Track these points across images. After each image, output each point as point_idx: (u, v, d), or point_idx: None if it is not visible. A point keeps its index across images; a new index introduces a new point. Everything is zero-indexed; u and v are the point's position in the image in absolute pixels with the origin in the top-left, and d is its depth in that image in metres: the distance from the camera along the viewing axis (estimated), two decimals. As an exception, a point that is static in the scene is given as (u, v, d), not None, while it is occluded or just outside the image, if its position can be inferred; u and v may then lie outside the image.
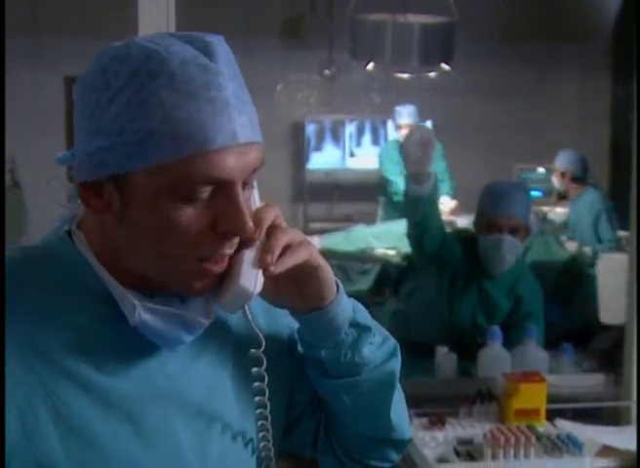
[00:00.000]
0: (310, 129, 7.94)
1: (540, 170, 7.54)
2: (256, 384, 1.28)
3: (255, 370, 1.28)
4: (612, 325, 4.19)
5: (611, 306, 4.25)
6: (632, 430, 2.57)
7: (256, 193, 1.29)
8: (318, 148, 7.99)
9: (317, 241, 5.79)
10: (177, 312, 1.20)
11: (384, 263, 5.49)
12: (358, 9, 5.67)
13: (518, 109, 7.81)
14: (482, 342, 3.46)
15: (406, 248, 5.55)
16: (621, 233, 5.71)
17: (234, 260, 1.20)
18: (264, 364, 1.27)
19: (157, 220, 1.13)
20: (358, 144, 8.02)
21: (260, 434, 1.31)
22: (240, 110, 1.17)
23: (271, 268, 1.19)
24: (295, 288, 1.27)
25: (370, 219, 6.78)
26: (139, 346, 1.21)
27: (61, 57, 7.04)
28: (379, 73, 6.57)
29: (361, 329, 1.33)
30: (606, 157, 7.70)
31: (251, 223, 1.16)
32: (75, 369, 1.16)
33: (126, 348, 1.21)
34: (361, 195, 7.85)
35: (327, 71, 7.74)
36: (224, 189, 1.14)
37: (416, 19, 5.65)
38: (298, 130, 7.96)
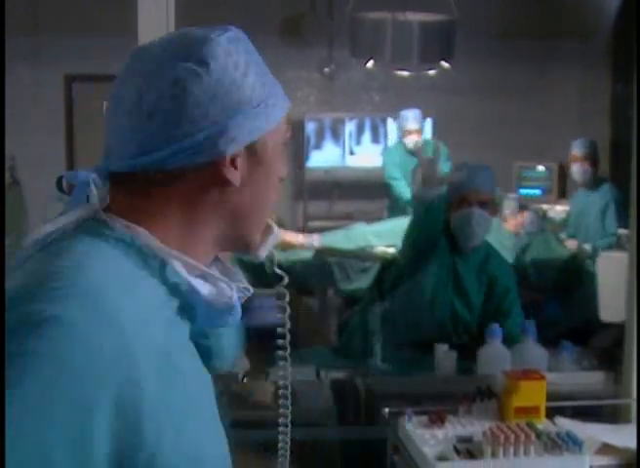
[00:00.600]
0: (310, 127, 7.95)
1: (540, 168, 7.55)
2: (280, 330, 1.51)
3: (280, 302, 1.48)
4: (612, 322, 4.19)
5: (611, 304, 4.25)
6: (632, 428, 2.57)
7: None
8: (318, 146, 7.99)
9: (317, 239, 5.80)
10: (247, 289, 1.31)
11: (384, 261, 5.49)
12: (358, 7, 5.68)
13: (518, 107, 7.82)
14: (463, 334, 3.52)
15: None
16: (622, 231, 5.71)
17: None
18: (287, 297, 1.50)
19: (278, 170, 1.32)
20: (358, 142, 8.02)
21: None
22: None
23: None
24: None
25: (370, 217, 6.77)
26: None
27: (61, 55, 7.05)
28: (378, 71, 6.58)
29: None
30: (606, 155, 7.70)
31: None
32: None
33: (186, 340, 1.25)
34: (361, 193, 7.87)
35: (327, 69, 7.75)
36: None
37: (415, 17, 5.65)
38: (297, 128, 7.96)
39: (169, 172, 1.20)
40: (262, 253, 1.37)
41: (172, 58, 1.22)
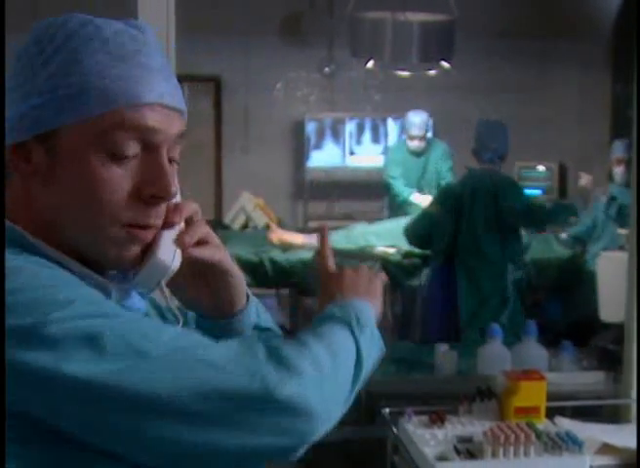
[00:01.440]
0: (310, 127, 7.94)
1: (541, 168, 7.54)
2: None
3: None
4: (611, 323, 4.19)
5: (610, 304, 4.25)
6: (632, 428, 2.56)
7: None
8: (318, 146, 7.99)
9: (317, 239, 5.78)
10: (134, 283, 1.24)
11: (384, 261, 5.49)
12: (358, 7, 5.68)
13: (518, 107, 7.81)
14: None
15: (405, 246, 5.57)
16: (621, 231, 5.70)
17: (154, 239, 1.23)
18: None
19: (85, 178, 1.15)
20: (358, 142, 8.02)
21: None
22: (167, 78, 1.22)
23: (189, 250, 1.26)
24: (207, 291, 1.34)
25: (370, 217, 6.77)
26: None
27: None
28: (378, 71, 6.58)
29: (262, 330, 1.41)
30: (606, 154, 7.69)
31: (175, 188, 1.20)
32: None
33: None
34: (361, 193, 7.87)
35: (327, 69, 7.74)
36: (149, 150, 1.18)
37: (415, 17, 5.66)
38: (298, 128, 7.96)
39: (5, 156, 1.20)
40: (142, 286, 1.25)
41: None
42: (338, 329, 1.25)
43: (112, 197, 1.16)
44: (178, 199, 1.27)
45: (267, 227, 5.93)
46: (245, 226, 6.21)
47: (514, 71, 7.80)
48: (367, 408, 3.38)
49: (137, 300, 1.27)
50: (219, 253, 1.31)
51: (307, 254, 5.58)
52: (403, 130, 6.98)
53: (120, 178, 1.16)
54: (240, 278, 1.36)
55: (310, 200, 7.96)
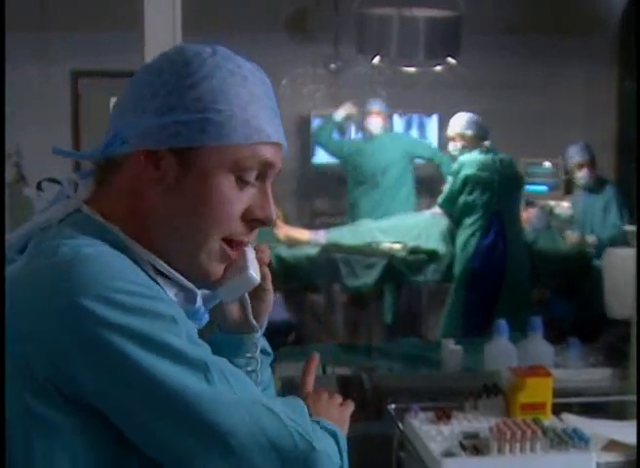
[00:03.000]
0: (316, 123, 7.92)
1: (547, 164, 7.53)
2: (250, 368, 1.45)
3: (249, 355, 1.45)
4: (618, 319, 4.18)
5: (617, 300, 4.24)
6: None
7: None
8: (324, 142, 7.97)
9: (323, 235, 5.79)
10: (212, 294, 1.37)
11: (390, 258, 5.49)
12: (364, 3, 5.68)
13: (524, 103, 7.80)
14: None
15: (411, 242, 5.57)
16: (629, 227, 5.69)
17: (239, 256, 1.36)
18: (258, 349, 1.46)
19: (210, 194, 1.27)
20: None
21: None
22: (280, 120, 1.38)
23: (264, 268, 1.43)
24: (240, 304, 1.46)
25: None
26: None
27: (68, 51, 7.05)
28: (384, 67, 6.57)
29: (265, 353, 1.52)
30: (613, 151, 7.69)
31: (274, 216, 1.36)
32: None
33: None
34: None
35: (333, 65, 7.73)
36: (262, 180, 1.34)
37: (421, 13, 5.66)
38: (304, 124, 7.95)
39: (116, 158, 1.30)
40: (222, 293, 1.38)
41: (156, 58, 1.34)
42: (326, 434, 1.36)
43: (229, 214, 1.30)
44: None
45: (273, 223, 5.93)
46: (251, 222, 6.21)
47: (521, 67, 7.78)
48: (373, 404, 3.38)
49: (203, 309, 1.38)
50: (268, 272, 1.47)
51: (313, 250, 5.58)
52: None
53: (238, 200, 1.30)
54: (272, 299, 1.49)
55: (316, 196, 7.96)
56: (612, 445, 2.44)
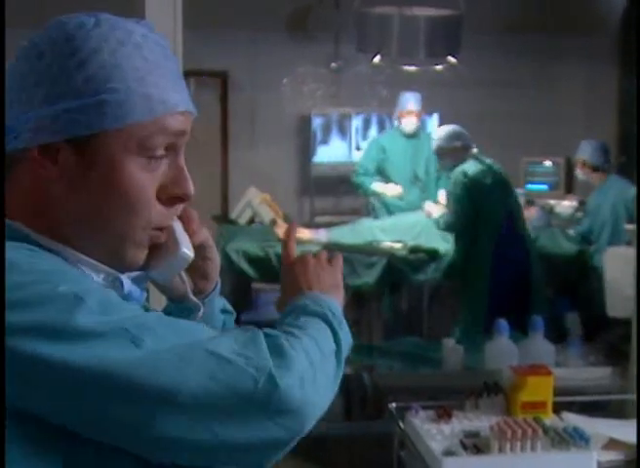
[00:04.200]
0: (317, 122, 7.94)
1: (547, 163, 7.53)
2: None
3: None
4: (619, 318, 4.19)
5: (617, 299, 4.25)
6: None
7: None
8: (325, 142, 7.99)
9: (324, 234, 5.79)
10: (144, 274, 1.28)
11: (390, 256, 5.50)
12: (364, 2, 5.68)
13: (525, 102, 7.80)
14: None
15: (412, 241, 5.57)
16: (629, 227, 5.69)
17: (167, 234, 1.27)
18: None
19: (122, 183, 1.16)
20: (364, 138, 8.00)
21: None
22: (184, 85, 1.25)
23: (195, 236, 1.34)
24: (189, 273, 1.40)
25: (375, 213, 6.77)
26: None
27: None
28: (385, 66, 6.56)
29: (227, 313, 1.49)
30: (613, 149, 7.69)
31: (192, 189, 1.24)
32: None
33: None
34: (367, 188, 7.85)
35: (333, 64, 7.73)
36: (173, 154, 1.22)
37: (422, 12, 5.66)
38: (304, 123, 7.96)
39: (8, 155, 1.18)
40: (158, 277, 1.30)
41: (26, 42, 1.21)
42: (316, 322, 1.27)
43: (146, 201, 1.19)
44: None
45: (274, 222, 5.94)
46: (251, 221, 6.21)
47: (521, 66, 7.78)
48: (374, 402, 3.38)
49: (139, 292, 1.28)
50: (205, 230, 1.39)
51: (314, 249, 5.57)
52: (396, 111, 6.75)
53: (150, 182, 1.19)
54: (216, 253, 1.42)
55: (316, 195, 7.96)
56: (612, 443, 2.44)
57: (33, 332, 1.04)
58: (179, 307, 1.40)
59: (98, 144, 1.15)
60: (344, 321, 1.32)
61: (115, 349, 1.06)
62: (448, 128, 5.65)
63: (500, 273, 5.24)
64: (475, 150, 5.50)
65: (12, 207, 1.18)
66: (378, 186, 6.48)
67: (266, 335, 1.17)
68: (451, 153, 5.51)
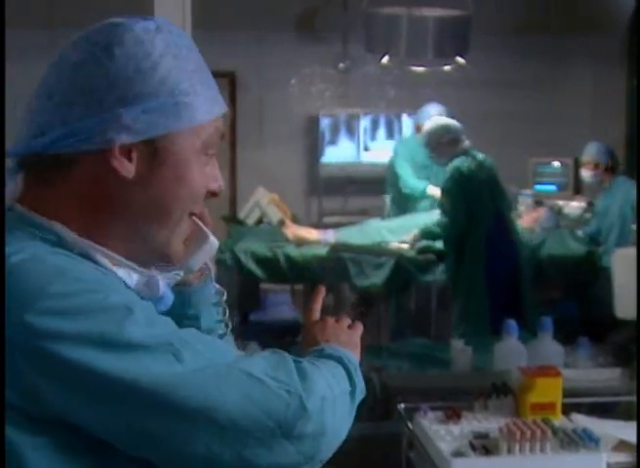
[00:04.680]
0: (325, 123, 7.94)
1: (556, 163, 7.51)
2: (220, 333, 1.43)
3: (218, 318, 1.43)
4: (627, 319, 4.17)
5: (626, 300, 4.23)
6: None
7: None
8: (333, 142, 7.98)
9: (332, 234, 5.79)
10: (178, 273, 1.33)
11: (399, 257, 5.49)
12: (373, 2, 5.67)
13: (533, 103, 7.79)
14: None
15: (420, 241, 5.56)
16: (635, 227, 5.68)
17: (192, 224, 1.31)
18: (227, 312, 1.44)
19: (188, 178, 1.22)
20: (373, 138, 8.01)
21: None
22: None
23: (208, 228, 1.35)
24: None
25: (384, 213, 6.76)
26: None
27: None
28: (393, 67, 6.56)
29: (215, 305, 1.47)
30: (621, 150, 7.67)
31: None
32: None
33: None
34: (375, 189, 7.84)
35: (341, 65, 7.73)
36: (213, 153, 1.27)
37: (430, 12, 5.65)
38: (312, 124, 7.96)
39: (64, 156, 1.18)
40: (193, 265, 1.34)
41: (83, 42, 1.22)
42: (333, 364, 1.30)
43: (201, 194, 1.26)
44: None
45: (282, 223, 5.94)
46: (259, 221, 6.21)
47: (529, 67, 7.77)
48: (383, 403, 3.38)
49: (168, 296, 1.31)
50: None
51: (322, 250, 5.57)
52: (415, 122, 6.66)
53: (206, 177, 1.26)
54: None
55: (325, 195, 7.96)
56: (622, 445, 2.43)
57: (83, 341, 1.06)
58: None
59: (169, 143, 1.20)
60: (360, 371, 1.35)
61: (160, 363, 1.09)
62: (438, 120, 5.59)
63: (491, 272, 5.25)
64: (467, 143, 5.43)
65: (58, 207, 1.20)
66: (431, 189, 6.29)
67: (293, 359, 1.21)
68: (441, 147, 5.44)
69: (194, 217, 1.30)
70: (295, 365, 1.20)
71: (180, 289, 1.38)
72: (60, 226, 1.18)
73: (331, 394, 1.21)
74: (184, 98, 1.20)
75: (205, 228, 1.32)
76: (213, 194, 1.28)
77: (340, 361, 1.31)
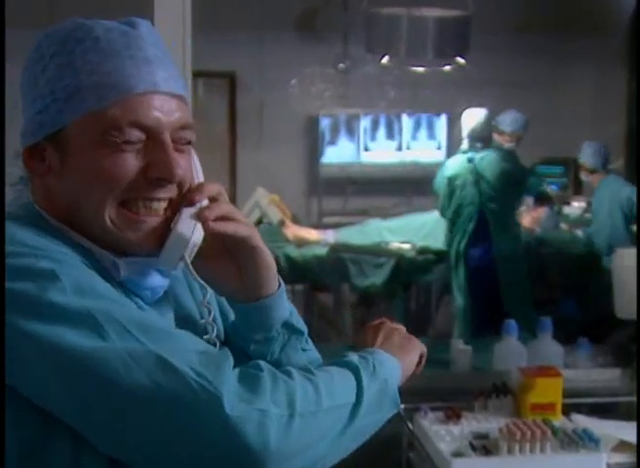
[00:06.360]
0: (325, 123, 7.93)
1: (556, 163, 7.52)
2: (205, 337, 1.34)
3: (202, 321, 1.35)
4: (627, 319, 4.17)
5: (626, 300, 4.23)
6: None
7: (196, 161, 1.35)
8: (333, 142, 7.98)
9: (332, 235, 5.79)
10: (148, 259, 1.28)
11: (399, 257, 5.49)
12: (373, 2, 5.67)
13: (534, 103, 7.78)
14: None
15: (420, 242, 5.57)
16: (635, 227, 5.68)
17: (175, 216, 1.28)
18: (212, 313, 1.35)
19: (91, 166, 1.23)
20: (373, 138, 8.00)
21: None
22: (160, 67, 1.27)
23: (211, 224, 1.27)
24: (235, 271, 1.31)
25: (384, 213, 6.76)
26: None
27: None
28: (393, 67, 6.56)
29: (293, 331, 1.38)
30: (621, 150, 7.67)
31: (180, 171, 1.25)
32: None
33: None
34: (376, 189, 7.85)
35: (341, 65, 7.72)
36: (154, 138, 1.24)
37: (431, 12, 5.64)
38: (312, 124, 7.95)
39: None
40: (162, 258, 1.27)
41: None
42: (343, 373, 1.27)
43: (114, 176, 1.23)
44: (201, 179, 1.34)
45: (282, 223, 5.94)
46: (259, 222, 6.21)
47: (530, 67, 7.77)
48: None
49: (157, 279, 1.31)
50: (245, 228, 1.30)
51: (322, 250, 5.58)
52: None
53: (123, 162, 1.23)
54: (270, 258, 1.33)
55: (325, 196, 7.95)
56: (622, 445, 2.43)
57: (8, 298, 1.12)
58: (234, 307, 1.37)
59: (67, 137, 1.24)
60: (387, 383, 1.31)
61: (75, 334, 1.12)
62: (484, 111, 5.70)
63: (472, 272, 5.30)
64: (465, 141, 5.64)
65: (37, 197, 1.30)
66: None
67: (252, 365, 1.18)
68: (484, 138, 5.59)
69: (185, 209, 1.27)
70: (248, 369, 1.16)
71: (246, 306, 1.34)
72: (45, 214, 1.28)
73: (286, 412, 1.14)
74: (63, 93, 1.23)
75: (182, 221, 1.26)
76: (165, 180, 1.25)
77: (356, 371, 1.27)
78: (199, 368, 1.12)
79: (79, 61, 1.23)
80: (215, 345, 1.32)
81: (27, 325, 1.11)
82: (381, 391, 1.29)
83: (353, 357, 1.31)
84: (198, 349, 1.17)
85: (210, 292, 1.36)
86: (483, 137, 5.60)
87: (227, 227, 1.28)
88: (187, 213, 1.27)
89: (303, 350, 1.40)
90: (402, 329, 1.47)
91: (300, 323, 1.40)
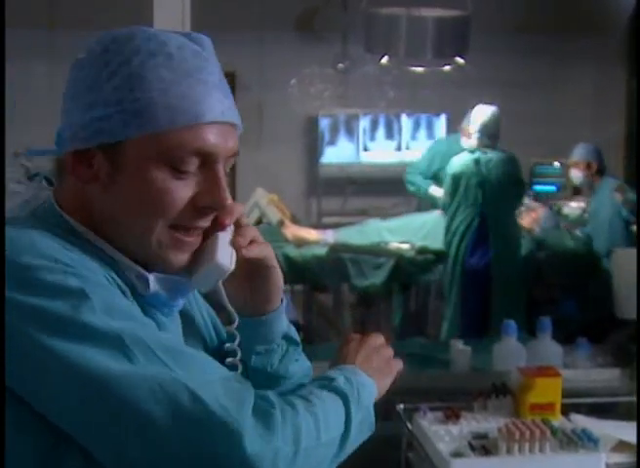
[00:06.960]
0: (324, 123, 7.93)
1: (555, 164, 7.52)
2: (229, 360, 1.35)
3: (228, 345, 1.37)
4: (627, 319, 4.18)
5: (626, 300, 4.24)
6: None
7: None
8: (332, 142, 7.98)
9: (331, 235, 5.79)
10: (178, 278, 1.28)
11: (398, 258, 5.49)
12: (372, 2, 5.67)
13: (533, 103, 7.79)
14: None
15: (419, 242, 5.57)
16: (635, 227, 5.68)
17: (209, 241, 1.30)
18: (237, 339, 1.37)
19: (144, 188, 1.22)
20: (372, 138, 8.00)
21: None
22: (226, 95, 1.30)
23: (243, 251, 1.32)
24: (247, 286, 1.37)
25: (384, 213, 6.76)
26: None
27: (77, 49, 7.06)
28: (393, 67, 6.56)
29: (291, 342, 1.43)
30: (621, 150, 7.67)
31: (230, 199, 1.28)
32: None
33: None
34: (375, 189, 7.85)
35: (341, 65, 7.72)
36: (209, 165, 1.25)
37: (430, 12, 5.65)
38: (311, 124, 7.95)
39: (62, 158, 1.27)
40: (196, 281, 1.30)
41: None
42: (333, 400, 1.27)
43: (166, 206, 1.23)
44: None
45: (281, 223, 5.93)
46: (259, 222, 6.21)
47: (529, 67, 7.77)
48: (381, 404, 3.37)
49: (162, 297, 1.30)
50: (266, 249, 1.37)
51: (321, 250, 5.57)
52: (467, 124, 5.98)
53: (179, 190, 1.23)
54: (280, 276, 1.39)
55: (324, 196, 7.96)
56: (621, 445, 2.43)
57: (34, 317, 1.10)
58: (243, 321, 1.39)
59: (125, 152, 1.21)
60: (369, 408, 1.34)
61: (102, 356, 1.11)
62: (494, 108, 5.73)
63: (468, 271, 5.32)
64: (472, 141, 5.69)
65: (66, 201, 1.28)
66: (435, 190, 6.07)
67: (262, 398, 1.18)
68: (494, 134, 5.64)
69: (221, 234, 1.29)
70: (262, 404, 1.17)
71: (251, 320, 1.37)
72: (71, 219, 1.26)
73: (293, 445, 1.17)
74: (132, 106, 1.21)
75: (218, 246, 1.28)
76: (212, 209, 1.27)
77: (345, 399, 1.28)
78: (224, 400, 1.13)
79: (151, 76, 1.21)
80: (236, 368, 1.34)
81: (54, 342, 1.10)
82: (364, 419, 1.32)
83: (339, 379, 1.32)
84: (222, 376, 1.18)
85: (209, 307, 1.42)
86: (493, 134, 5.65)
87: (256, 252, 1.34)
88: (223, 239, 1.30)
89: (296, 360, 1.44)
90: (384, 349, 1.45)
91: (295, 334, 1.46)
